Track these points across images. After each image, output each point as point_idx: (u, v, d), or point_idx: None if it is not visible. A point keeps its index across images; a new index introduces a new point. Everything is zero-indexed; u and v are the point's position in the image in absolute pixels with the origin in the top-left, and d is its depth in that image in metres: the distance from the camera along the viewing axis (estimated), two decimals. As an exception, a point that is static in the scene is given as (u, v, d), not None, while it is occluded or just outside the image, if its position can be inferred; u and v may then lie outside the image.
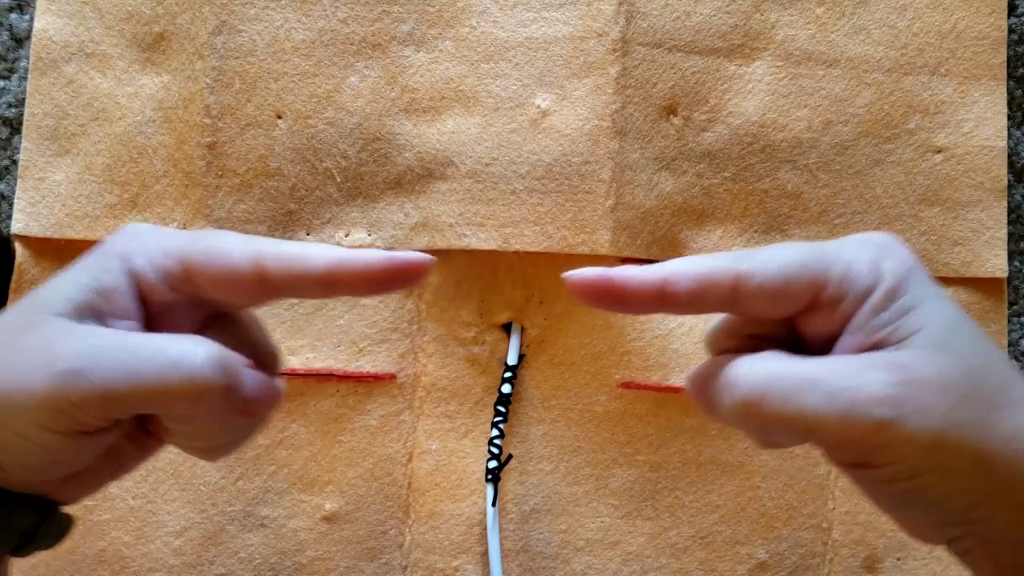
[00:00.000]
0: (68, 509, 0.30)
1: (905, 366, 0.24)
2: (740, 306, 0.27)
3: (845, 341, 0.26)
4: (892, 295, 0.26)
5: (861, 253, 0.26)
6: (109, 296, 0.27)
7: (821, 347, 0.27)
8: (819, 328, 0.27)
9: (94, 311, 0.27)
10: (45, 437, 0.25)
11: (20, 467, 0.27)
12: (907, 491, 0.25)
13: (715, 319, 0.30)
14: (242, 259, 0.27)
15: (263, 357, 0.30)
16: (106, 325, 0.27)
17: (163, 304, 0.28)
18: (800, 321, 0.27)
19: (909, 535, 0.29)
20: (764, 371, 0.25)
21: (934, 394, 0.24)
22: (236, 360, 0.27)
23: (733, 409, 0.26)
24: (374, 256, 0.28)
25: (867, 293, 0.26)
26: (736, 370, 0.26)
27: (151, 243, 0.28)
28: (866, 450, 0.24)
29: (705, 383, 0.28)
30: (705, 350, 0.31)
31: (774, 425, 0.25)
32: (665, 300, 0.27)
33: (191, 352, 0.25)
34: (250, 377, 0.27)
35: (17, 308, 0.27)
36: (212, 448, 0.30)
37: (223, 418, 0.27)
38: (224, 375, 0.26)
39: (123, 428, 0.27)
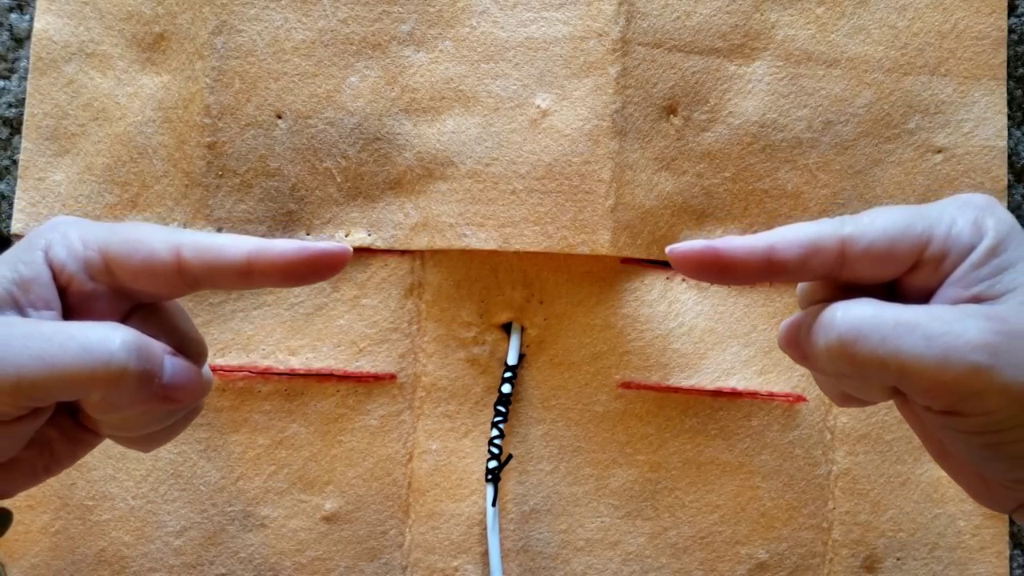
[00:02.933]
0: (7, 503, 0.30)
1: (1004, 318, 0.24)
2: (846, 270, 0.27)
3: (942, 294, 0.26)
4: (993, 252, 0.26)
5: (964, 212, 0.27)
6: (28, 287, 0.27)
7: (917, 302, 0.27)
8: (917, 284, 0.27)
9: (13, 302, 0.27)
10: None
11: None
12: (993, 444, 0.25)
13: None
14: (161, 250, 0.27)
15: (188, 346, 0.30)
16: (25, 316, 0.27)
17: (83, 294, 0.28)
18: (899, 278, 0.28)
19: (978, 499, 0.29)
20: (861, 313, 0.25)
21: None
22: (155, 346, 0.27)
23: (828, 350, 0.26)
24: (290, 246, 0.28)
25: (968, 250, 0.26)
26: (833, 313, 0.26)
27: (72, 234, 0.28)
28: (959, 397, 0.24)
29: (799, 329, 0.28)
30: (798, 304, 0.31)
31: (868, 368, 0.25)
32: (772, 268, 0.27)
33: (106, 337, 0.26)
34: (170, 363, 0.27)
35: None
36: (145, 438, 0.30)
37: (144, 405, 0.27)
38: (140, 360, 0.26)
39: (42, 417, 0.27)
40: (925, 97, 0.43)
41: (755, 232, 0.43)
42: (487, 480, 0.41)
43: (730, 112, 0.43)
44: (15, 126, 0.43)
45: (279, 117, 0.42)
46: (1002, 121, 0.43)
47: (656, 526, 0.42)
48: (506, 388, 0.42)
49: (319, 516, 0.42)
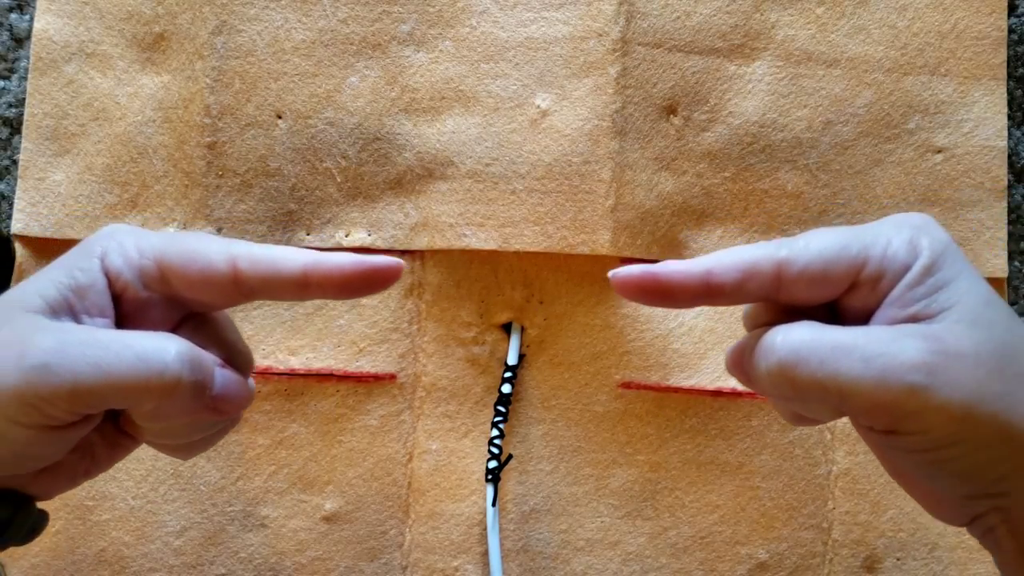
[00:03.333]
0: (44, 505, 0.30)
1: (940, 338, 0.25)
2: (783, 292, 0.27)
3: (880, 315, 0.27)
4: (928, 271, 0.26)
5: (899, 232, 0.27)
6: (84, 294, 0.27)
7: (857, 323, 0.27)
8: (856, 305, 0.27)
9: (69, 308, 0.27)
10: (16, 431, 0.26)
11: None
12: (936, 461, 0.26)
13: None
14: (218, 260, 0.28)
15: (235, 357, 0.30)
16: (80, 322, 0.27)
17: (137, 302, 0.28)
18: (839, 300, 0.28)
19: (933, 514, 0.29)
20: (800, 337, 0.26)
21: (967, 366, 0.24)
22: (207, 358, 0.27)
23: (769, 374, 0.26)
24: (347, 260, 0.28)
25: (904, 270, 0.26)
26: (773, 337, 0.26)
27: (127, 243, 0.28)
28: (898, 417, 0.25)
29: (743, 354, 0.28)
30: (743, 326, 0.31)
31: (809, 391, 0.26)
32: (710, 292, 0.28)
33: (161, 348, 0.26)
34: (221, 375, 0.28)
35: None
36: (184, 447, 0.30)
37: (193, 415, 0.27)
38: (193, 372, 0.26)
39: (93, 423, 0.27)
40: (925, 97, 0.43)
41: (754, 233, 0.43)
42: (487, 480, 0.41)
43: (730, 112, 0.43)
44: (15, 126, 0.43)
45: (279, 117, 0.42)
46: (1002, 121, 0.43)
47: (656, 526, 0.42)
48: (506, 388, 0.42)
49: (319, 516, 0.42)
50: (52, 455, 0.28)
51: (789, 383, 0.26)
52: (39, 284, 0.27)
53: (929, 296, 0.26)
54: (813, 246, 0.27)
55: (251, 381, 0.31)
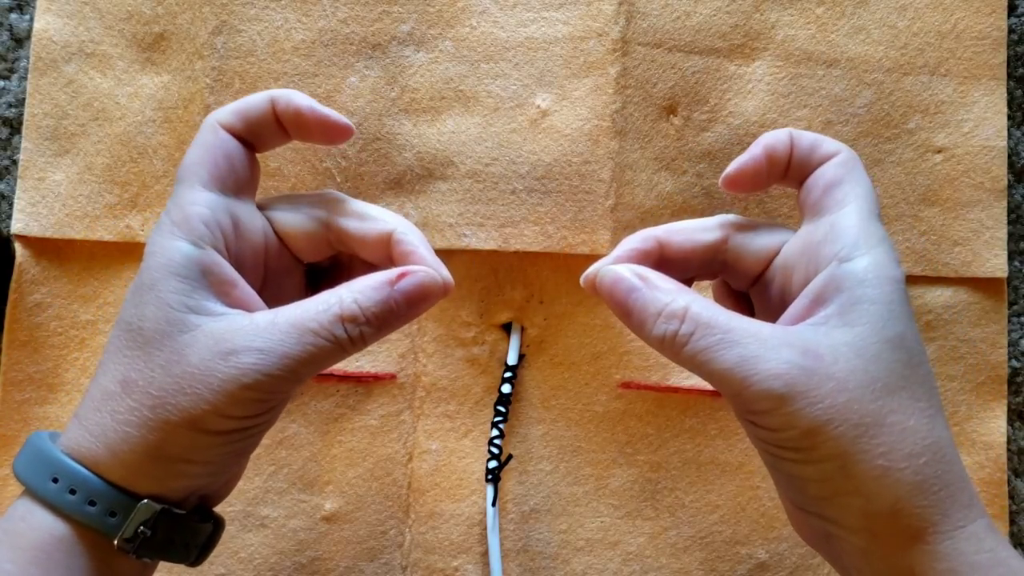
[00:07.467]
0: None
1: (819, 356, 0.26)
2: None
3: (793, 308, 0.29)
4: (851, 290, 0.28)
5: (868, 243, 0.29)
6: (218, 284, 0.29)
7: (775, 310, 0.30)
8: (775, 293, 0.30)
9: (214, 290, 0.29)
10: (215, 444, 0.28)
11: (220, 474, 0.29)
12: (777, 455, 0.28)
13: None
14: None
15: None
16: (228, 305, 0.29)
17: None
18: (760, 284, 0.31)
19: (792, 524, 0.31)
20: (698, 312, 0.28)
21: (828, 389, 0.26)
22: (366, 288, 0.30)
23: (658, 337, 0.28)
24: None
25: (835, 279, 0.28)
26: (675, 303, 0.28)
27: (192, 214, 0.29)
28: (753, 411, 0.27)
29: (627, 292, 0.30)
30: None
31: (686, 365, 0.28)
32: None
33: (331, 303, 0.29)
34: (398, 290, 0.30)
35: (143, 347, 0.28)
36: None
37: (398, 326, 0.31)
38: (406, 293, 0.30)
39: (284, 405, 0.31)
40: (925, 97, 0.43)
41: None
42: (487, 480, 0.41)
43: (730, 112, 0.43)
44: (15, 126, 0.43)
45: (279, 117, 0.42)
46: (1002, 121, 0.43)
47: (656, 526, 0.42)
48: (506, 388, 0.42)
49: (319, 516, 0.42)
50: (245, 455, 0.30)
51: (672, 352, 0.28)
52: (168, 303, 0.28)
53: (838, 314, 0.27)
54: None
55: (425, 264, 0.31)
